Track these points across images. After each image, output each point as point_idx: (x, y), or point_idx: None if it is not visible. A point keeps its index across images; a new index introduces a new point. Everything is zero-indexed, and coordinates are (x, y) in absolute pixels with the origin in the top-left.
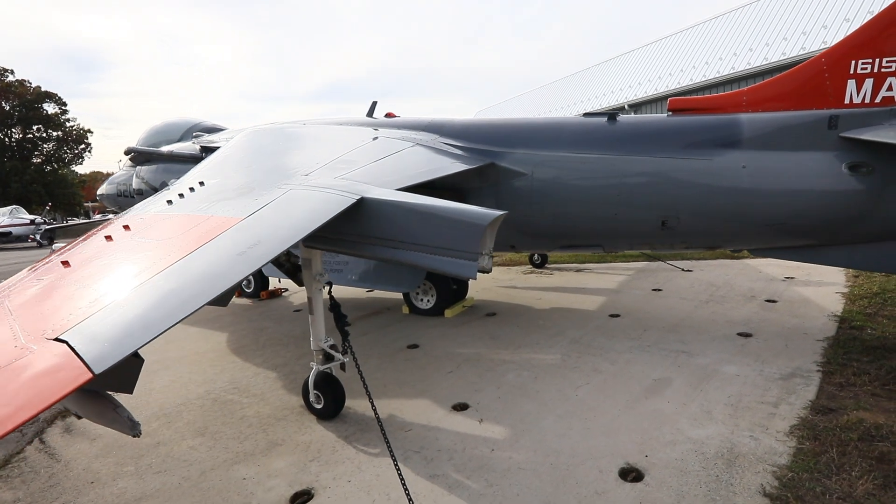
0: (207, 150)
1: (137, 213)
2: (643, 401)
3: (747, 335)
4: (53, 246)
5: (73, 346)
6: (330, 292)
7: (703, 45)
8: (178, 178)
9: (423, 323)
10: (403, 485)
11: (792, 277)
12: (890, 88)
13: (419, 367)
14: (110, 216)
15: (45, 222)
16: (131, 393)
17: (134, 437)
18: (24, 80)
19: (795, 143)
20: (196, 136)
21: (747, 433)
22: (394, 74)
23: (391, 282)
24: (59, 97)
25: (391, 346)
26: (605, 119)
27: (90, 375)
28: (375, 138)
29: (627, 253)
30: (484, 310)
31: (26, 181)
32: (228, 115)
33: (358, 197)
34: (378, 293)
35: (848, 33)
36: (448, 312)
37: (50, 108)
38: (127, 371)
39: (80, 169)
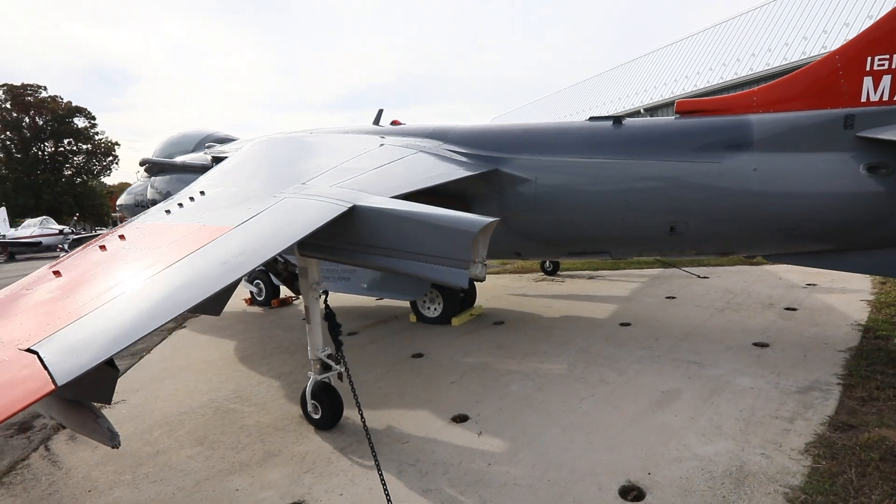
0: (217, 161)
1: (136, 223)
2: (650, 414)
3: (763, 345)
4: None
5: (42, 357)
6: (325, 301)
7: (720, 46)
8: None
9: (429, 331)
10: (388, 501)
11: (814, 284)
12: None
13: (422, 376)
14: None
15: (72, 232)
16: (109, 403)
17: (113, 447)
18: (56, 96)
19: (809, 144)
20: (208, 147)
21: (759, 450)
22: (410, 82)
23: (397, 290)
24: (89, 111)
25: (396, 354)
26: (611, 123)
27: (52, 388)
28: (382, 146)
29: (642, 259)
30: (492, 318)
31: (58, 192)
32: (248, 125)
33: (350, 205)
34: (387, 301)
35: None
36: (455, 321)
37: (80, 122)
38: (102, 382)
39: (108, 180)
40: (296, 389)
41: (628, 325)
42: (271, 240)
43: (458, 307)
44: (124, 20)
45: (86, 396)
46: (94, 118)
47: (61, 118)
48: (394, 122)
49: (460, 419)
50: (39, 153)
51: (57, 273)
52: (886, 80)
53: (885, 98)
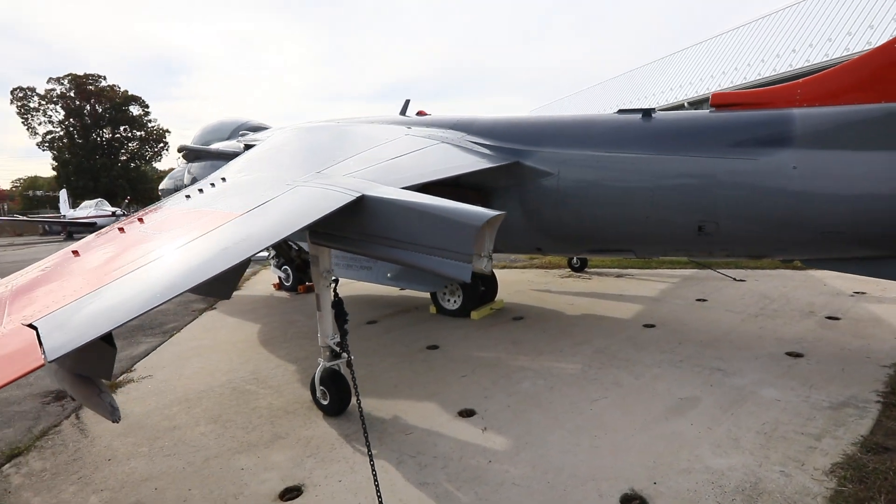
0: (248, 148)
1: (157, 207)
2: (663, 421)
3: (797, 355)
4: None
5: (39, 332)
6: (335, 289)
7: (769, 39)
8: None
9: (447, 324)
10: (378, 494)
11: (863, 293)
12: None
13: (434, 368)
14: None
15: (124, 214)
16: (109, 379)
17: (113, 422)
18: (115, 85)
19: (858, 141)
20: (241, 135)
21: (778, 468)
22: (453, 73)
23: (417, 280)
24: (143, 100)
25: (412, 345)
26: (640, 116)
27: (41, 362)
28: (404, 136)
29: (674, 259)
30: (512, 313)
31: (113, 176)
32: (292, 114)
33: (358, 194)
34: (409, 292)
35: None
36: (475, 314)
37: (135, 110)
38: (100, 358)
39: (160, 165)
40: (310, 374)
41: (652, 326)
42: (273, 227)
43: (478, 300)
44: (188, 17)
45: (88, 371)
46: (147, 106)
47: (118, 106)
48: (419, 113)
49: (467, 414)
50: (98, 139)
51: (76, 252)
52: None
53: None
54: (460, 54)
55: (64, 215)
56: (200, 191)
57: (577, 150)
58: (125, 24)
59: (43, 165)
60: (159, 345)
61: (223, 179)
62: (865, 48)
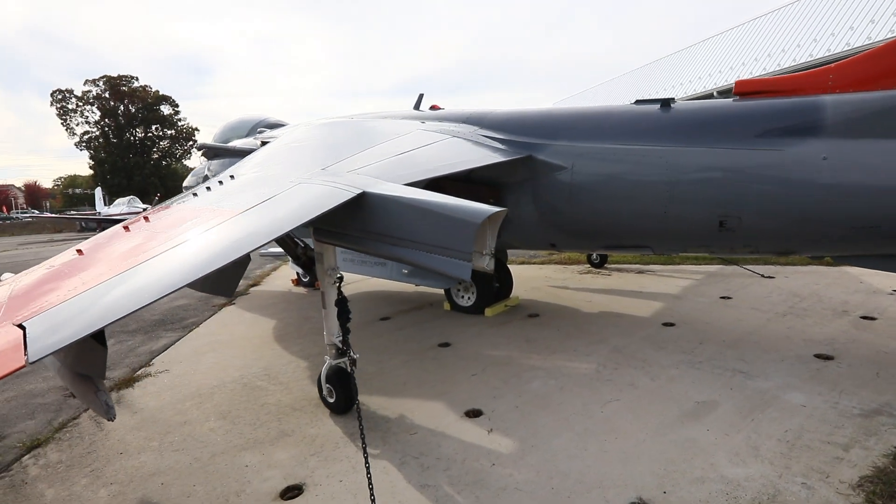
0: (264, 145)
1: (165, 205)
2: (677, 426)
3: (827, 357)
4: None
5: (26, 332)
6: (340, 286)
7: (800, 25)
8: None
9: (461, 321)
10: (371, 497)
11: None
12: None
13: (444, 366)
14: None
15: None
16: (103, 378)
17: (108, 420)
18: (146, 86)
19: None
20: (260, 132)
21: (800, 479)
22: (474, 66)
23: (431, 277)
24: (173, 100)
25: (424, 342)
26: (658, 106)
27: (23, 363)
28: (416, 131)
29: (699, 255)
30: (527, 310)
31: (146, 174)
32: (317, 110)
33: (359, 191)
34: (424, 287)
35: None
36: (489, 311)
37: (165, 109)
38: (92, 358)
39: (189, 163)
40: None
41: (672, 325)
42: (270, 224)
43: (492, 297)
44: (214, 17)
45: (85, 370)
46: (177, 106)
47: (150, 106)
48: (433, 107)
49: (474, 414)
50: (131, 138)
51: (80, 251)
52: None
53: None
54: (481, 48)
55: (99, 212)
56: (209, 189)
57: (591, 143)
58: (155, 25)
59: (82, 165)
60: (178, 339)
61: (232, 177)
62: (889, 36)
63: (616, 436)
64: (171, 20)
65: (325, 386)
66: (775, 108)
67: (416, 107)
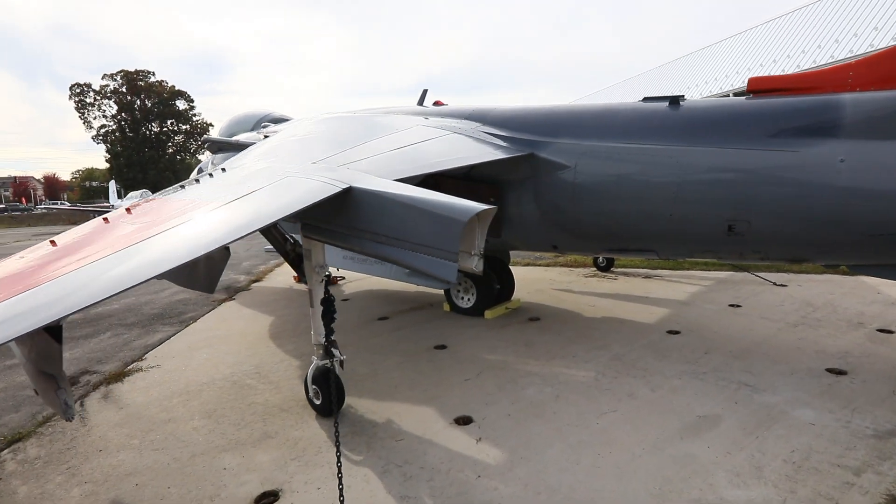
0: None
1: (152, 197)
2: (676, 441)
3: (840, 372)
4: None
5: None
6: (326, 285)
7: (829, 23)
8: None
9: (460, 322)
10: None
11: None
12: None
13: (439, 369)
14: None
15: None
16: (59, 373)
17: (66, 420)
18: (162, 81)
19: None
20: (264, 126)
21: None
22: (486, 65)
23: (430, 277)
24: (189, 95)
25: (420, 344)
26: (667, 104)
27: None
28: (416, 126)
29: (709, 260)
30: (528, 313)
31: (161, 168)
32: (327, 108)
33: (346, 186)
34: (424, 288)
35: None
36: (489, 313)
37: (181, 104)
38: (48, 353)
39: (204, 158)
40: None
41: (677, 333)
42: (247, 218)
43: (493, 299)
44: (229, 15)
45: (44, 367)
46: (192, 101)
47: (165, 101)
48: (436, 103)
49: (464, 421)
50: (147, 132)
51: (53, 243)
52: None
53: None
54: (494, 47)
55: (112, 205)
56: (197, 181)
57: (595, 142)
58: (173, 21)
59: (99, 158)
60: (174, 334)
61: (223, 170)
62: None
63: (611, 449)
64: (189, 17)
65: (311, 387)
66: (790, 106)
67: (420, 102)
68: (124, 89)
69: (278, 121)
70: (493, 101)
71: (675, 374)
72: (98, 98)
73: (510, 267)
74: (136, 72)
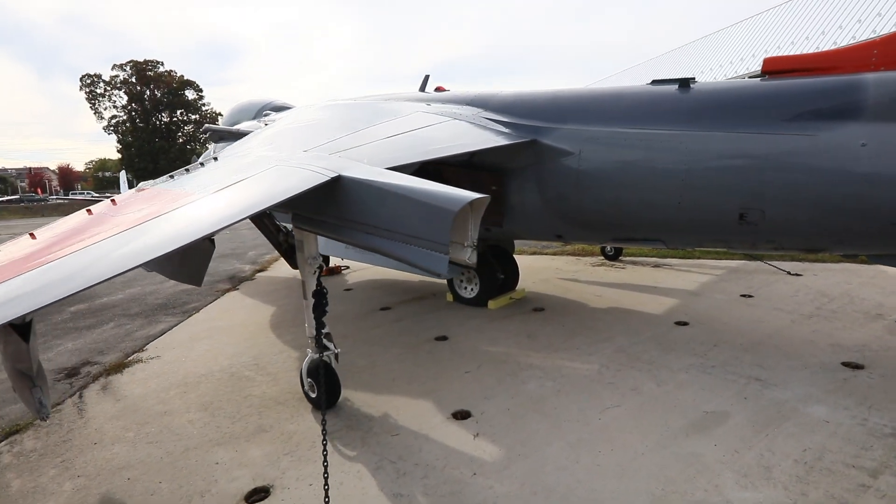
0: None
1: (140, 187)
2: (682, 438)
3: (857, 366)
4: None
5: None
6: (319, 276)
7: (851, 1)
8: None
9: (462, 313)
10: None
11: None
12: None
13: (438, 362)
14: None
15: None
16: (32, 371)
17: (40, 419)
18: (171, 71)
19: None
20: (265, 115)
21: None
22: (501, 51)
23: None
24: (197, 84)
25: (420, 335)
26: (676, 87)
27: None
28: (415, 113)
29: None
30: (532, 303)
31: (171, 158)
32: (339, 97)
33: (335, 174)
34: (428, 276)
35: None
36: (492, 304)
37: (190, 94)
38: (16, 350)
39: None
40: None
41: (685, 324)
42: (230, 209)
43: (496, 289)
44: (238, 2)
45: (17, 364)
46: (201, 90)
47: (175, 91)
48: (438, 89)
49: (461, 416)
50: (157, 123)
51: (32, 235)
52: None
53: None
54: (508, 32)
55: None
56: (187, 170)
57: (601, 127)
58: (180, 9)
59: (111, 148)
60: (177, 324)
61: (215, 159)
62: None
63: (612, 447)
64: (200, 5)
65: (306, 380)
66: (808, 87)
67: (422, 89)
68: (134, 79)
69: (280, 109)
70: (508, 86)
71: (681, 367)
72: (108, 88)
73: (515, 256)
74: (146, 62)
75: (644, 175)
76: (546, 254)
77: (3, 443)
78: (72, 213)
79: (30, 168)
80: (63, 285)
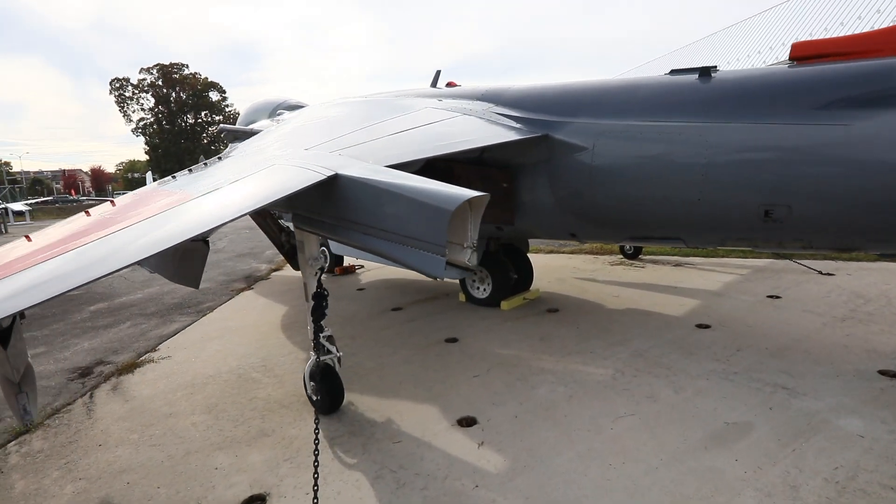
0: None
1: (141, 189)
2: (700, 452)
3: (895, 375)
4: None
5: None
6: (320, 278)
7: None
8: None
9: (474, 314)
10: None
11: None
12: None
13: (447, 365)
14: None
15: None
16: (13, 377)
17: (23, 425)
18: (196, 73)
19: None
20: (279, 114)
21: None
22: (519, 47)
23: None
24: (221, 86)
25: (430, 336)
26: (696, 76)
27: None
28: (423, 109)
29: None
30: (547, 304)
31: (196, 159)
32: (359, 94)
33: (331, 173)
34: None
35: None
36: (505, 304)
37: (214, 95)
38: None
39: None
40: None
41: (707, 327)
42: (223, 209)
43: (509, 289)
44: (260, 3)
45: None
46: (224, 92)
47: (199, 93)
48: (449, 84)
49: (467, 423)
50: (183, 124)
51: (28, 238)
52: None
53: None
54: (526, 28)
55: None
56: (190, 170)
57: (615, 120)
58: (202, 11)
59: (139, 150)
60: (190, 324)
61: (219, 158)
62: None
63: (624, 459)
64: (223, 7)
65: (309, 384)
66: (841, 73)
67: (433, 84)
68: (160, 82)
69: (294, 107)
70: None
71: (701, 373)
72: (136, 92)
73: (530, 255)
74: (171, 65)
75: (661, 170)
76: (563, 252)
77: (12, 443)
78: None
79: (64, 170)
80: (43, 289)
